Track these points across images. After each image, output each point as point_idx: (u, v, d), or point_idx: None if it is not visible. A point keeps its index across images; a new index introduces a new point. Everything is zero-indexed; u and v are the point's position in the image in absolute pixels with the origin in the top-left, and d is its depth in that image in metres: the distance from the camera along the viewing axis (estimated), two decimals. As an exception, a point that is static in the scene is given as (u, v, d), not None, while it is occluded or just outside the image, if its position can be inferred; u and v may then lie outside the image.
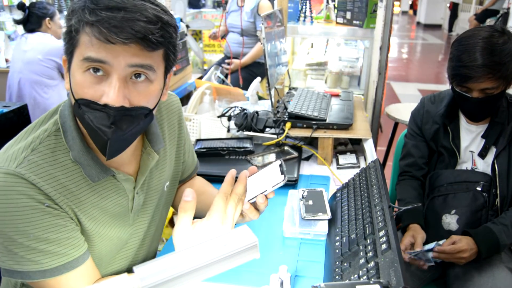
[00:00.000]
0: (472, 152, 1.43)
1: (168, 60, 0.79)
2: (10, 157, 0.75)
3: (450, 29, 11.23)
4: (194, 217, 0.80)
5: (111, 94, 0.71)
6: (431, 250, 1.26)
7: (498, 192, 1.36)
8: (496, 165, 1.36)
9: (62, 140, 0.80)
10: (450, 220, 1.39)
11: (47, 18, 2.79)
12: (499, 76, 1.23)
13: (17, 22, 2.89)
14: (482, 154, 1.39)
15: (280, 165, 0.90)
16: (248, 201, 0.88)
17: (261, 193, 0.87)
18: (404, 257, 1.28)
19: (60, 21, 2.95)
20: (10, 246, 0.74)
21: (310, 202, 1.15)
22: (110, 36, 0.67)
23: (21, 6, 2.80)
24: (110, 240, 0.89)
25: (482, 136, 1.40)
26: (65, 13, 4.07)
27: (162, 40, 0.72)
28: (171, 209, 1.72)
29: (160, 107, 1.01)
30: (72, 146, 0.79)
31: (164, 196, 1.04)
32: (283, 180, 0.87)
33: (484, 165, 1.41)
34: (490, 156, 1.39)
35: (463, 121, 1.44)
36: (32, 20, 2.78)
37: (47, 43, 2.74)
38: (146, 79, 0.75)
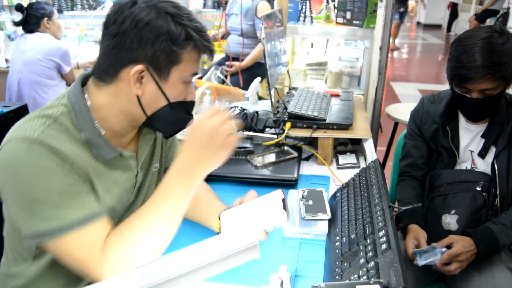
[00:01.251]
0: (471, 152, 1.43)
1: None
2: (27, 130, 0.80)
3: (449, 29, 11.23)
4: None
5: (194, 94, 0.95)
6: (436, 248, 1.26)
7: (498, 192, 1.36)
8: (496, 165, 1.36)
9: (74, 121, 0.86)
10: (450, 220, 1.39)
11: (45, 18, 2.79)
12: (498, 76, 1.22)
13: (16, 23, 2.89)
14: (482, 153, 1.39)
15: (283, 200, 0.90)
16: None
17: (262, 231, 0.89)
18: (412, 257, 1.27)
19: (59, 20, 2.95)
20: (35, 209, 0.78)
21: (310, 202, 1.15)
22: (210, 56, 0.91)
23: (19, 8, 2.80)
24: (114, 213, 0.92)
25: (482, 136, 1.40)
26: (65, 13, 4.05)
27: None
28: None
29: None
30: (84, 128, 0.86)
31: (154, 179, 1.08)
32: (285, 219, 0.87)
33: (484, 165, 1.41)
34: (490, 156, 1.39)
35: (462, 120, 1.44)
36: (30, 21, 2.78)
37: (46, 43, 2.75)
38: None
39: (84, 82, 0.92)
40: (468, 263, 1.27)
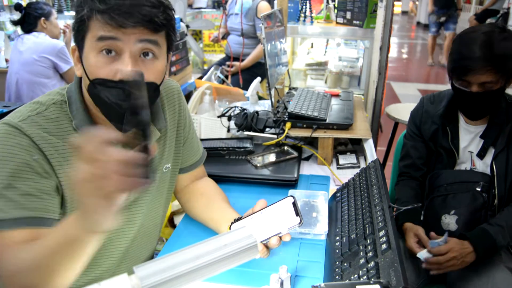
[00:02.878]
0: (471, 152, 1.43)
1: (170, 39, 0.87)
2: (18, 112, 0.83)
3: None
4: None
5: (123, 71, 0.78)
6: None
7: (496, 193, 1.36)
8: (494, 166, 1.36)
9: (67, 110, 0.86)
10: (450, 221, 1.39)
11: (43, 18, 2.79)
12: (498, 69, 1.22)
13: (14, 23, 2.89)
14: (481, 154, 1.39)
15: (294, 204, 0.88)
16: (261, 242, 0.86)
17: (276, 235, 0.86)
18: (418, 252, 1.28)
19: (57, 21, 2.95)
20: None
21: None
22: (121, 21, 0.76)
23: (18, 7, 2.80)
24: None
25: (481, 137, 1.40)
26: (65, 13, 4.06)
27: (165, 22, 0.81)
28: (170, 209, 1.72)
29: (161, 91, 1.04)
30: (76, 116, 0.86)
31: (167, 179, 1.07)
32: (299, 223, 0.85)
33: (483, 166, 1.41)
34: (489, 157, 1.39)
35: (462, 121, 1.44)
36: (28, 21, 2.78)
37: (41, 42, 2.74)
38: (153, 57, 0.83)
39: None
40: (464, 265, 1.27)
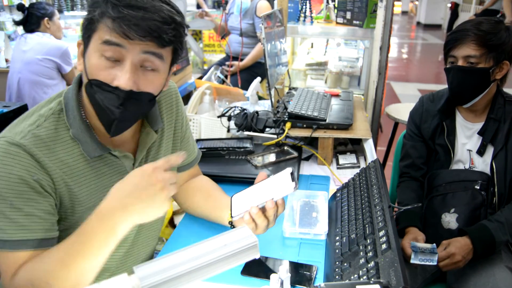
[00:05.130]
0: (469, 151, 1.44)
1: (176, 54, 0.88)
2: (19, 130, 0.82)
3: (450, 29, 11.23)
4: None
5: (123, 77, 0.79)
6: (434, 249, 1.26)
7: (496, 190, 1.37)
8: (494, 164, 1.37)
9: (64, 118, 0.86)
10: (450, 219, 1.39)
11: (46, 18, 2.80)
12: (483, 43, 1.28)
13: (16, 23, 2.90)
14: (480, 151, 1.40)
15: (292, 173, 0.90)
16: (257, 206, 0.89)
17: (271, 199, 0.88)
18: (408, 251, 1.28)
19: (60, 21, 2.95)
20: None
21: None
22: (129, 32, 0.76)
23: (20, 7, 2.81)
24: None
25: (479, 133, 1.40)
26: (65, 13, 4.07)
27: (173, 39, 0.81)
28: (171, 209, 1.72)
29: None
30: (72, 124, 0.86)
31: None
32: (294, 188, 0.87)
33: (482, 165, 1.41)
34: (488, 155, 1.40)
35: (459, 118, 1.45)
36: (31, 21, 2.78)
37: (46, 43, 2.75)
38: (154, 69, 0.83)
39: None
40: (466, 262, 1.27)
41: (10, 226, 0.77)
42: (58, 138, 0.84)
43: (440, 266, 1.27)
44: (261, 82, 2.02)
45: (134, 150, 0.97)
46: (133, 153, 0.97)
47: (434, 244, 1.27)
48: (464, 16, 10.42)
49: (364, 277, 0.80)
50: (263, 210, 0.90)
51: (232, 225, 1.02)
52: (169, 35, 0.79)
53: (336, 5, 2.84)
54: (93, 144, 0.87)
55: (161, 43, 0.80)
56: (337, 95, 1.87)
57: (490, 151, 1.40)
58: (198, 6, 4.82)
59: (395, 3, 2.34)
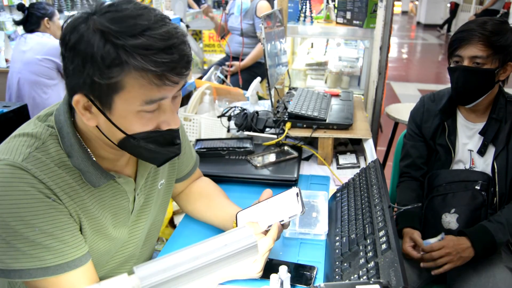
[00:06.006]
0: (470, 151, 1.43)
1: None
2: (14, 150, 0.76)
3: (449, 29, 11.22)
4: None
5: (173, 121, 0.78)
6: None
7: (497, 190, 1.37)
8: (495, 165, 1.37)
9: (60, 144, 0.80)
10: (450, 219, 1.39)
11: (46, 18, 2.80)
12: (489, 44, 1.27)
13: (16, 23, 2.89)
14: (481, 151, 1.40)
15: (297, 194, 0.91)
16: (265, 229, 0.90)
17: (278, 222, 0.90)
18: (414, 254, 1.31)
19: (60, 21, 2.95)
20: (13, 241, 0.72)
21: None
22: (174, 79, 0.71)
23: (20, 7, 2.81)
24: (109, 240, 0.89)
25: (480, 133, 1.40)
26: (65, 13, 4.05)
27: (187, 73, 0.77)
28: (171, 209, 1.72)
29: None
30: (71, 153, 0.80)
31: (161, 195, 1.04)
32: (301, 212, 0.89)
33: (483, 165, 1.41)
34: (489, 156, 1.40)
35: (461, 118, 1.45)
36: (31, 21, 2.78)
37: (45, 43, 2.74)
38: (177, 96, 0.81)
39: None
40: (463, 261, 1.28)
41: (47, 253, 0.74)
42: (60, 162, 0.79)
43: (430, 257, 1.29)
44: (261, 82, 2.02)
45: (134, 172, 0.94)
46: (133, 175, 0.93)
47: (443, 233, 1.30)
48: (464, 16, 10.42)
49: (364, 277, 0.80)
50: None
51: None
52: (187, 72, 0.75)
53: (336, 5, 2.84)
54: (96, 173, 0.82)
55: (182, 78, 0.75)
56: (337, 95, 1.87)
57: (491, 151, 1.39)
58: (189, 6, 4.82)
59: (395, 3, 2.33)
